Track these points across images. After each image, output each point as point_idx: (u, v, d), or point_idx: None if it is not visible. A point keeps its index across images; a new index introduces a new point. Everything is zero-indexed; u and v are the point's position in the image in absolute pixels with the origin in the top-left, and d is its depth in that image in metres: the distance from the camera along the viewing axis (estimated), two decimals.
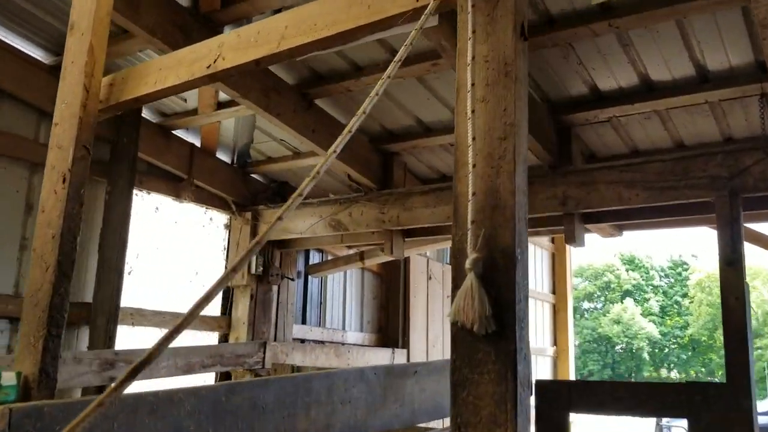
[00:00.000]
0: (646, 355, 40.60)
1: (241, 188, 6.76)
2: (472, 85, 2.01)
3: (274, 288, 6.93)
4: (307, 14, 2.62)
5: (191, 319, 1.82)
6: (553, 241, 12.09)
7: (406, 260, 8.36)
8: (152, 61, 3.05)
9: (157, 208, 6.16)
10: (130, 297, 5.57)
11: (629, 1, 3.95)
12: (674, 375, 41.03)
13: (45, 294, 2.65)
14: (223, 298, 6.79)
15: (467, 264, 1.93)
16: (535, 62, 4.69)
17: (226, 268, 6.82)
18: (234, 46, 2.82)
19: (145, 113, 5.77)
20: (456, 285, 1.95)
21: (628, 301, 42.26)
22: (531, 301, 11.29)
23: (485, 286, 1.89)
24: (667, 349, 41.46)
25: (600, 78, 4.86)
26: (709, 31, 4.20)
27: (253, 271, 6.64)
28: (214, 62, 2.81)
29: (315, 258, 7.78)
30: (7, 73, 4.72)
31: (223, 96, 5.48)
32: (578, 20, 4.13)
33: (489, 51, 2.00)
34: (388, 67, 4.81)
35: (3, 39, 4.74)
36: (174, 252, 6.24)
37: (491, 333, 1.87)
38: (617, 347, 41.16)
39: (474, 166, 1.98)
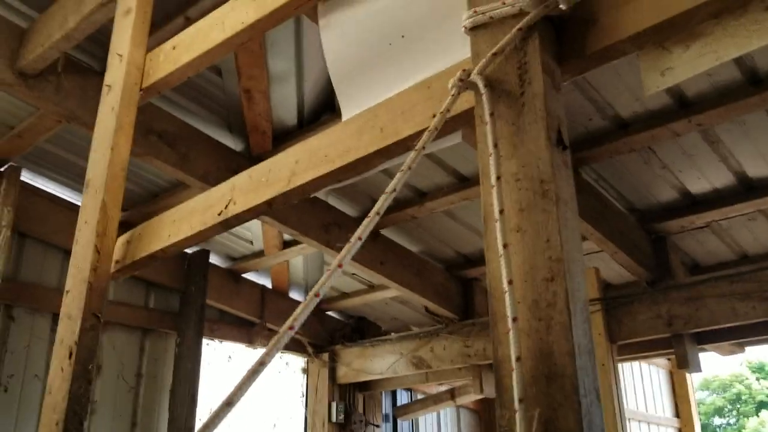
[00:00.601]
0: None
1: (317, 328, 6.43)
2: (501, 211, 1.53)
3: None
4: (318, 146, 2.34)
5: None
6: (669, 358, 10.95)
7: None
8: (168, 212, 2.83)
9: (230, 357, 5.91)
10: None
11: (709, 95, 3.50)
12: None
13: None
14: None
15: None
16: (615, 171, 4.26)
17: (306, 416, 6.38)
18: (245, 188, 2.56)
19: (214, 259, 5.64)
20: None
21: (765, 413, 38.17)
22: (654, 429, 10.14)
23: None
24: None
25: (689, 180, 4.34)
26: None
27: (333, 419, 6.14)
28: (225, 208, 2.55)
29: (403, 398, 7.21)
30: None
31: (288, 235, 5.29)
32: (654, 121, 3.72)
33: (518, 168, 1.54)
34: (451, 191, 4.49)
35: (76, 202, 4.75)
36: (250, 403, 5.88)
37: None
38: None
39: (515, 319, 1.44)
